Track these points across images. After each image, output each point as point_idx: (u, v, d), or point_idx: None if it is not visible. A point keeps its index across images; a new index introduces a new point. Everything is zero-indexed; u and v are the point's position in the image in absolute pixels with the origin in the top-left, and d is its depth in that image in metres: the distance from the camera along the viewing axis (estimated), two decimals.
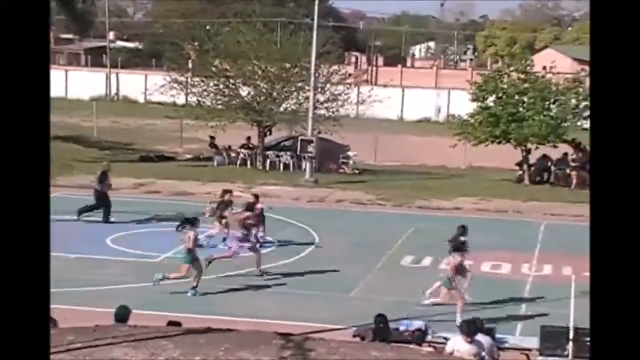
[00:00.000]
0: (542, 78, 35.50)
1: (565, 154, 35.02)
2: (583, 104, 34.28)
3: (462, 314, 15.72)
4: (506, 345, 14.16)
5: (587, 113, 34.32)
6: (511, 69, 36.09)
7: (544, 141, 33.92)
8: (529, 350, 13.67)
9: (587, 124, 34.39)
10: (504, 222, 26.91)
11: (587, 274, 18.59)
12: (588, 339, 12.99)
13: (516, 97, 34.81)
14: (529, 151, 34.81)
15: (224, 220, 21.53)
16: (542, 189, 33.07)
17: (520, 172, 34.84)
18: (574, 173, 33.58)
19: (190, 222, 18.20)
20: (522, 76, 35.26)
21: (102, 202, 24.61)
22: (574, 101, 34.51)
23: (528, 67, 35.85)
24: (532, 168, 34.93)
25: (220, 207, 21.82)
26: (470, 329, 12.07)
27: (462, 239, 17.51)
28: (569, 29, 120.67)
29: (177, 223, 20.55)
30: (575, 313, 14.41)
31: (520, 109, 34.51)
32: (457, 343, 12.23)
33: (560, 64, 75.62)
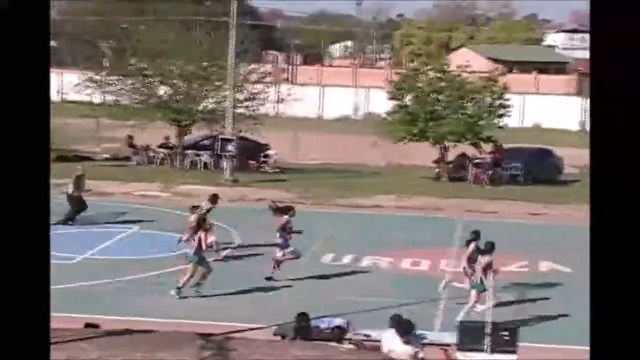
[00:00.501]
0: (458, 77, 36.01)
1: (481, 152, 35.61)
2: (498, 102, 34.88)
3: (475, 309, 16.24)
4: (425, 341, 14.31)
5: (502, 111, 34.95)
6: (428, 67, 36.53)
7: (461, 139, 34.41)
8: (448, 345, 13.83)
9: (502, 122, 35.02)
10: (423, 219, 27.22)
11: (506, 269, 18.92)
12: (505, 333, 13.28)
13: (433, 95, 35.25)
14: (446, 149, 35.27)
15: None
16: (461, 186, 33.54)
17: (439, 170, 35.28)
18: (478, 171, 34.17)
19: (200, 225, 18.25)
20: (439, 75, 35.71)
21: (79, 206, 24.50)
22: (489, 99, 35.08)
23: (444, 66, 36.32)
24: (450, 166, 35.42)
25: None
26: (405, 328, 12.18)
27: (476, 243, 17.50)
28: (484, 28, 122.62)
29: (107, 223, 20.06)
30: (492, 308, 14.67)
31: (438, 107, 34.95)
32: (393, 344, 12.33)
33: (476, 63, 76.72)
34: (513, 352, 13.27)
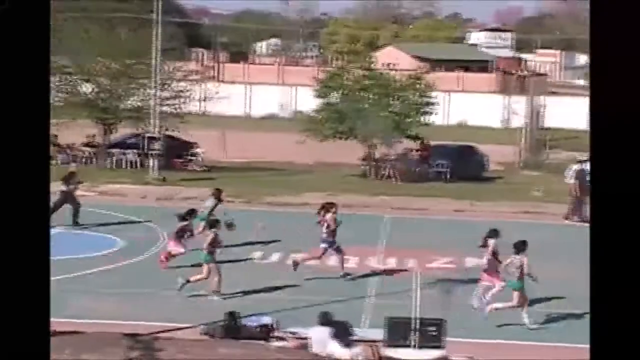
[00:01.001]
0: (384, 75, 36.24)
1: (408, 150, 35.91)
2: (423, 99, 35.21)
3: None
4: (353, 338, 14.37)
5: (428, 109, 35.29)
6: (354, 65, 36.69)
7: (388, 137, 34.60)
8: (376, 341, 13.92)
9: (427, 120, 35.36)
10: (351, 216, 27.30)
11: (430, 265, 19.04)
12: (432, 328, 13.41)
13: (360, 93, 35.41)
14: (374, 147, 35.47)
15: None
16: (388, 183, 33.77)
17: (366, 168, 35.46)
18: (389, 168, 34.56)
19: (210, 223, 18.24)
20: (365, 73, 35.89)
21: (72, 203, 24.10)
22: (415, 97, 35.38)
23: (370, 64, 36.53)
24: (377, 163, 35.62)
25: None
26: (340, 329, 12.24)
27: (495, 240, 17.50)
28: (409, 27, 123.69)
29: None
30: (419, 304, 14.80)
31: (365, 105, 35.11)
32: (333, 347, 12.37)
33: (401, 61, 77.40)
34: (439, 347, 13.41)
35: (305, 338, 13.44)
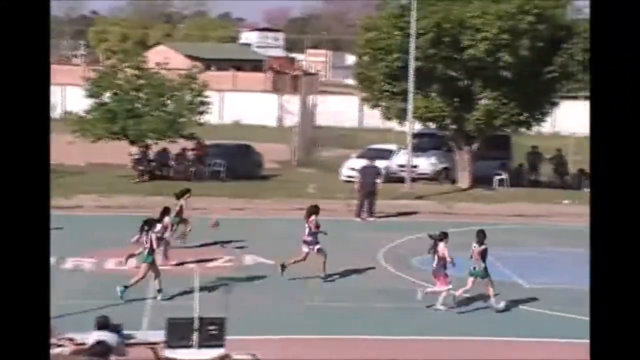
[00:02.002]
0: (157, 74, 35.73)
1: (184, 149, 35.63)
2: (197, 99, 35.02)
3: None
4: (133, 340, 14.06)
5: (202, 108, 35.15)
6: (125, 65, 35.94)
7: (162, 136, 34.17)
8: (156, 343, 13.68)
9: (202, 119, 35.22)
10: (125, 218, 26.74)
11: (212, 264, 18.90)
12: (212, 327, 13.33)
13: (132, 93, 34.75)
14: (148, 147, 34.91)
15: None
16: (163, 183, 33.33)
17: (140, 168, 34.83)
18: (179, 167, 34.44)
19: (148, 224, 18.18)
20: (137, 72, 35.26)
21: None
22: (188, 97, 35.13)
23: (141, 63, 35.91)
24: (152, 163, 35.11)
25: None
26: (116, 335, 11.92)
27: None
28: (180, 26, 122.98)
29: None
30: (199, 304, 14.63)
31: (137, 105, 34.49)
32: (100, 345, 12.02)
33: (174, 60, 76.65)
34: (220, 345, 13.38)
35: (84, 343, 13.00)
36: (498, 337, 16.40)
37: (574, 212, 28.37)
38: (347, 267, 20.87)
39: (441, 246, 18.01)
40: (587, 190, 33.92)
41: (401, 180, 34.17)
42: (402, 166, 35.20)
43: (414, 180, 34.34)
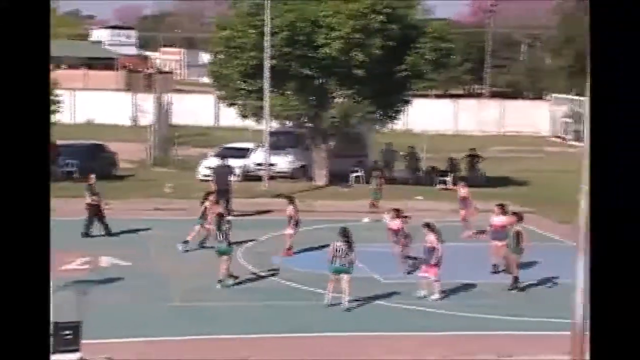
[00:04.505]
0: None
1: None
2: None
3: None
4: None
5: (53, 107, 34.16)
6: None
7: None
8: None
9: (53, 118, 34.27)
10: None
11: (68, 267, 18.44)
12: (68, 332, 13.02)
13: None
14: None
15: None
16: None
17: None
18: None
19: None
20: None
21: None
22: None
23: None
24: None
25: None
26: None
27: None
28: None
29: None
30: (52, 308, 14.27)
31: None
32: None
33: None
34: (76, 350, 13.13)
35: None
36: (356, 333, 16.67)
37: (427, 208, 29.13)
38: (206, 267, 20.77)
39: (431, 237, 18.38)
40: (438, 186, 34.99)
41: (259, 178, 34.25)
42: (259, 164, 35.29)
43: (271, 178, 34.49)
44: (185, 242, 22.66)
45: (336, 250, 17.74)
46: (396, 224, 20.93)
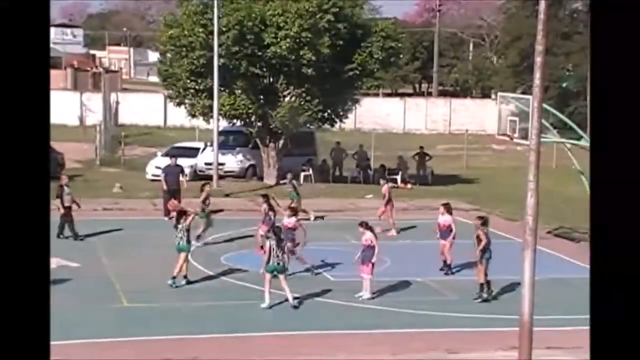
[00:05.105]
0: None
1: None
2: None
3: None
4: None
5: None
6: None
7: None
8: None
9: None
10: None
11: None
12: None
13: None
14: None
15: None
16: None
17: None
18: None
19: None
20: None
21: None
22: None
23: None
24: None
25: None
26: None
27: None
28: None
29: None
30: None
31: None
32: None
33: None
34: None
35: None
36: (305, 331, 16.68)
37: (376, 206, 29.26)
38: (156, 267, 20.65)
39: (368, 235, 18.34)
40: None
41: (208, 178, 34.14)
42: (209, 164, 35.16)
43: (221, 177, 34.37)
44: (198, 236, 22.82)
45: (271, 250, 17.63)
46: (291, 222, 20.53)
